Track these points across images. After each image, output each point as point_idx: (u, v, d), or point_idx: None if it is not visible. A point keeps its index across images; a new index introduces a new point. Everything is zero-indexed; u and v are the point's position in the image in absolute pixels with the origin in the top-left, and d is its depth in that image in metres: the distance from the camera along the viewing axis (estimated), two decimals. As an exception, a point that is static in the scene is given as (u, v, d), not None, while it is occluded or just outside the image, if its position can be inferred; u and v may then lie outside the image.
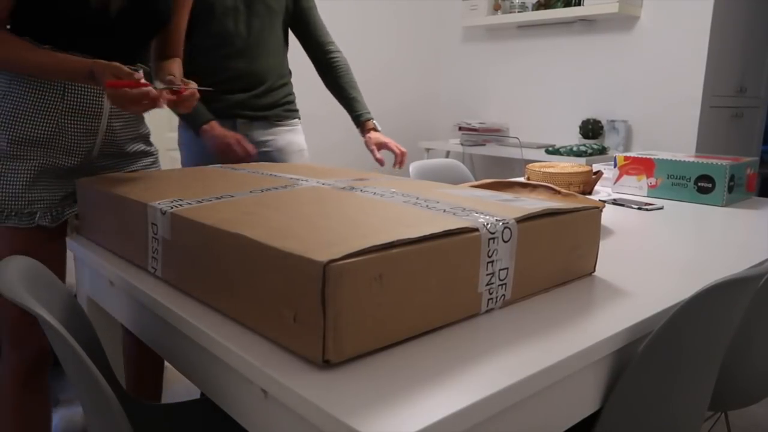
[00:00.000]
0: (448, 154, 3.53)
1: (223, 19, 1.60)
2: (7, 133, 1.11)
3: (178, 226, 0.80)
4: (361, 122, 1.81)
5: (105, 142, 1.21)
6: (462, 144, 3.36)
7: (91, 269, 1.07)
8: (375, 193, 0.92)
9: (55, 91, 1.12)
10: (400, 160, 1.74)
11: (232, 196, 0.90)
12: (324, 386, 0.56)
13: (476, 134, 3.43)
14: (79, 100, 1.15)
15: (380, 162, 1.76)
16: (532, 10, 3.26)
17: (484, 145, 3.35)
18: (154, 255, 0.86)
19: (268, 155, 1.76)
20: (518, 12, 3.29)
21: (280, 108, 1.77)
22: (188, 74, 1.46)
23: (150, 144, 1.35)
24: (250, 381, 0.63)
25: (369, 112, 1.82)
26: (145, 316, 0.89)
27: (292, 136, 1.81)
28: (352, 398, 0.54)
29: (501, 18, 3.34)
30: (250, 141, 1.68)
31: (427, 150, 3.53)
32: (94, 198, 1.03)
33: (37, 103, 1.11)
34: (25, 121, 1.11)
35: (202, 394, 1.40)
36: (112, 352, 1.12)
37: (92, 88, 1.16)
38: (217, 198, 0.88)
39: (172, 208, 0.82)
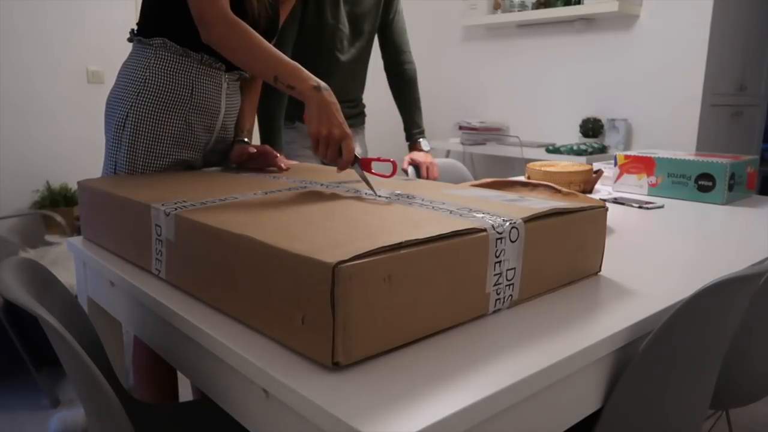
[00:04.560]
0: (448, 154, 3.53)
1: (330, 38, 1.68)
2: (146, 129, 1.17)
3: (182, 227, 0.79)
4: (409, 139, 1.94)
5: (217, 139, 1.30)
6: (462, 143, 3.36)
7: (91, 269, 1.07)
8: (380, 195, 0.91)
9: (184, 90, 1.19)
10: (424, 177, 1.86)
11: (236, 198, 0.89)
12: (326, 386, 0.56)
13: (476, 133, 3.42)
14: (203, 98, 1.22)
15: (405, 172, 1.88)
16: (532, 8, 3.25)
17: (484, 144, 3.35)
18: (158, 257, 0.85)
19: None
20: (518, 11, 3.28)
21: (363, 116, 1.91)
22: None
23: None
24: (252, 381, 0.63)
25: (420, 131, 1.93)
26: (145, 316, 0.88)
27: (363, 142, 1.95)
28: (355, 399, 0.53)
29: (501, 17, 3.33)
30: None
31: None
32: (96, 199, 1.03)
33: (169, 101, 1.18)
34: (160, 118, 1.18)
35: (201, 394, 1.40)
36: (112, 352, 1.12)
37: (216, 88, 1.23)
38: (221, 200, 0.88)
39: (176, 209, 0.81)
